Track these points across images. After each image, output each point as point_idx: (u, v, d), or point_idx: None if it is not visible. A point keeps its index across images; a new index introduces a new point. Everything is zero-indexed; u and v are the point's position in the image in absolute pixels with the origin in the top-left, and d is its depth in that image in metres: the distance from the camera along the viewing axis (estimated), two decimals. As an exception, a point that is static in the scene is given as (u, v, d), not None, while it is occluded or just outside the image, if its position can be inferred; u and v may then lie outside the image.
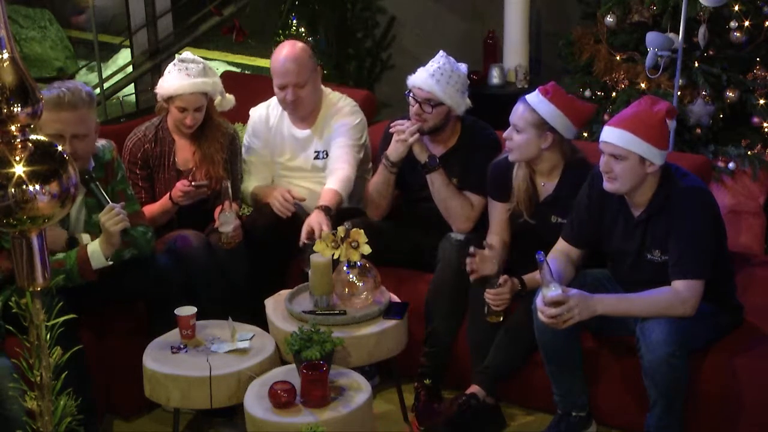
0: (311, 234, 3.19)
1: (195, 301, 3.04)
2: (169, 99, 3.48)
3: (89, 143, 3.00)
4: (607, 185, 2.79)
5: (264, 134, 3.69)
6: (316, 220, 3.23)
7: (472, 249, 3.00)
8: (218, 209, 3.34)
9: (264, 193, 3.61)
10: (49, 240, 2.81)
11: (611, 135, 2.75)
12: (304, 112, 3.61)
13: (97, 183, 3.03)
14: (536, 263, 2.69)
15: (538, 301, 2.74)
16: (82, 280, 2.95)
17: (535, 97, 3.04)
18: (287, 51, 3.54)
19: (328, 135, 3.61)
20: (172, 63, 3.53)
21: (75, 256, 2.95)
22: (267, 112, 3.70)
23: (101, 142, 3.14)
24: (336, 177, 3.46)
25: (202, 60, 3.56)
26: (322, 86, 3.69)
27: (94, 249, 2.95)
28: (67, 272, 2.91)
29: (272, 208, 3.46)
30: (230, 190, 3.32)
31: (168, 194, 3.46)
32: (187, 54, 3.58)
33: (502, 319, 3.02)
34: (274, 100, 3.67)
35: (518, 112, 3.06)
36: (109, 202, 2.98)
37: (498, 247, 3.11)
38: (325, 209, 3.31)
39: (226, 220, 3.30)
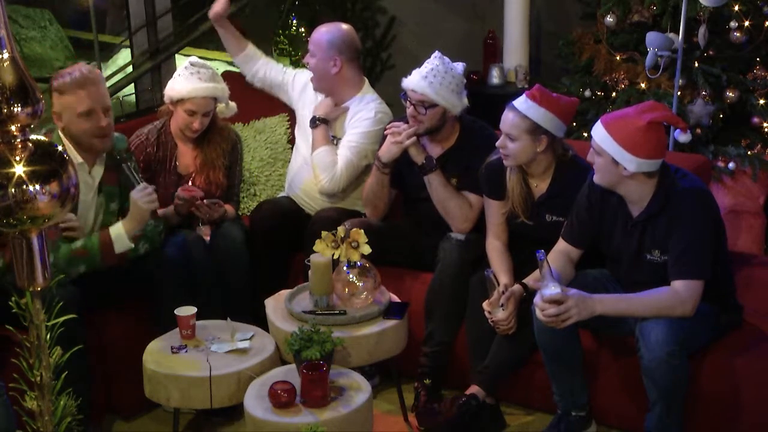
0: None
1: (195, 301, 3.05)
2: (179, 102, 3.49)
3: (112, 120, 3.11)
4: (594, 176, 2.83)
5: (295, 81, 3.89)
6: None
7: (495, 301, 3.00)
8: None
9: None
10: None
11: (595, 130, 2.78)
12: (313, 81, 3.70)
13: (129, 163, 3.13)
14: (536, 262, 2.70)
15: (537, 299, 2.74)
16: (103, 265, 3.01)
17: (524, 103, 3.02)
18: (325, 24, 3.77)
19: (346, 126, 3.65)
20: (182, 66, 3.54)
21: (97, 241, 3.01)
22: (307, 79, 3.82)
23: (115, 134, 3.20)
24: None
25: (211, 65, 3.58)
26: (368, 86, 3.76)
27: (118, 232, 3.02)
28: (89, 258, 2.98)
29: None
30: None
31: (173, 206, 3.46)
32: (196, 59, 3.58)
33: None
34: None
35: (510, 121, 3.04)
36: (141, 182, 3.09)
37: (511, 286, 3.05)
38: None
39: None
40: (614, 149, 2.70)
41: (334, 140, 3.67)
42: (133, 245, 3.05)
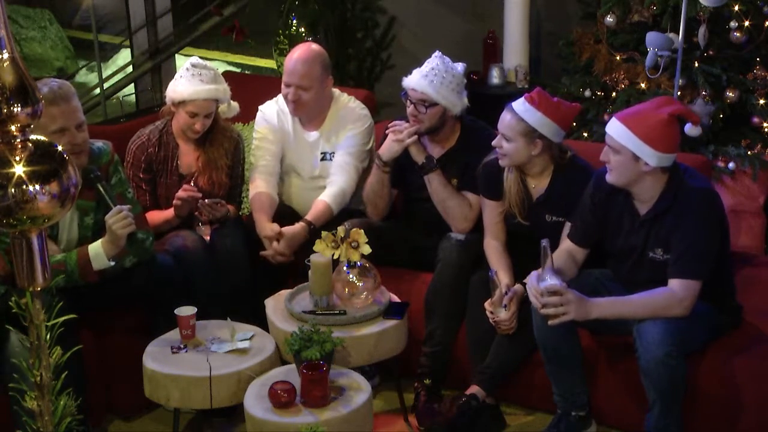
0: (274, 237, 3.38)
1: (195, 301, 3.04)
2: (180, 104, 3.47)
3: (87, 133, 2.99)
4: (607, 176, 2.82)
5: (273, 129, 3.68)
6: (291, 235, 3.38)
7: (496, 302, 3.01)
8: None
9: (257, 222, 3.51)
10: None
11: (611, 127, 2.77)
12: (304, 114, 3.62)
13: (104, 183, 3.01)
14: (537, 263, 2.69)
15: (533, 279, 2.73)
16: (83, 281, 2.94)
17: (521, 106, 3.02)
18: (300, 52, 3.58)
19: (336, 136, 3.63)
20: (184, 67, 3.52)
21: (75, 257, 2.93)
22: (277, 108, 3.70)
23: (98, 143, 3.09)
24: (330, 190, 3.53)
25: (212, 66, 3.56)
26: (334, 89, 3.71)
27: (97, 251, 2.93)
28: (67, 273, 2.90)
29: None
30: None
31: (173, 208, 3.45)
32: (197, 59, 3.56)
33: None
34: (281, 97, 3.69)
35: (506, 122, 3.04)
36: (116, 204, 2.96)
37: (512, 284, 3.07)
38: (309, 224, 3.43)
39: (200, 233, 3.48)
40: (635, 144, 2.70)
41: (327, 155, 3.64)
42: (112, 263, 2.95)
